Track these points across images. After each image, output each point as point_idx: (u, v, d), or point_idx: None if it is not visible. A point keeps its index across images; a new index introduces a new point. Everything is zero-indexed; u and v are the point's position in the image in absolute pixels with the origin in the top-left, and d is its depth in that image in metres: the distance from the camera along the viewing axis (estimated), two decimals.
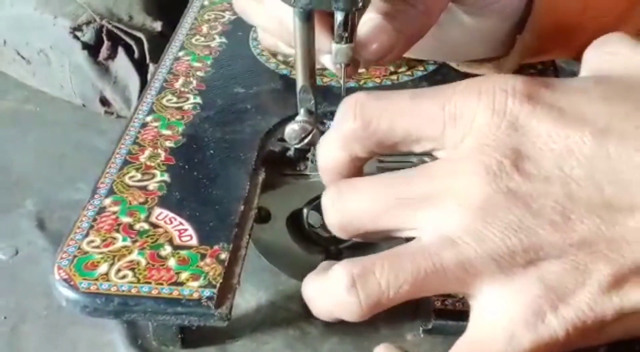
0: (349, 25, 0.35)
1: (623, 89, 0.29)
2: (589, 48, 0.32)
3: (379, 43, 0.37)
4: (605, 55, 0.31)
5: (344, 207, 0.31)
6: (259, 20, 0.42)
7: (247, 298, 0.43)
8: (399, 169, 0.31)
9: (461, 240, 0.28)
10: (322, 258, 0.42)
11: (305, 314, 0.41)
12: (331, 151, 0.32)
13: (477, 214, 0.27)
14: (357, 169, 0.32)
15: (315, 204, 0.41)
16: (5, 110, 0.59)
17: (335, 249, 0.42)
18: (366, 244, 0.42)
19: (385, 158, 0.37)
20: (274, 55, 0.48)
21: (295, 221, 0.41)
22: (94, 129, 0.57)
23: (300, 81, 0.37)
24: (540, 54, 0.44)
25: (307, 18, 0.35)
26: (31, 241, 0.48)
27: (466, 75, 0.46)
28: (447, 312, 0.32)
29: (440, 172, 0.29)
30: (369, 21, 0.36)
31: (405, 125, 0.30)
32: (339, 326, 0.42)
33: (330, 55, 0.37)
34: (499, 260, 0.27)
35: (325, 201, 0.32)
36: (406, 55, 0.41)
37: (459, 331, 0.31)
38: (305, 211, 0.41)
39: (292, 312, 0.43)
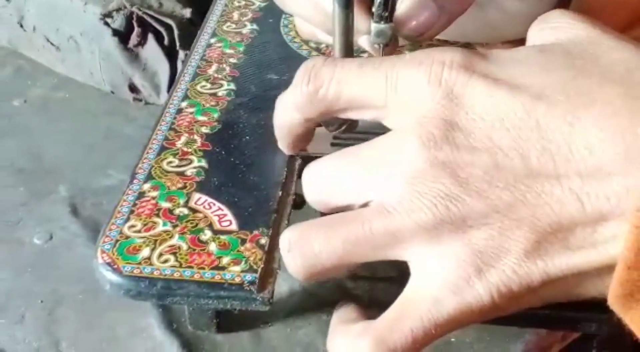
0: (389, 4, 0.35)
1: (563, 59, 0.30)
2: (532, 25, 0.33)
3: (419, 19, 0.36)
4: (548, 29, 0.32)
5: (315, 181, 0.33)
6: (295, 8, 0.42)
7: (280, 284, 0.44)
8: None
9: (393, 209, 0.29)
10: None
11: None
12: (286, 112, 0.35)
13: (408, 184, 0.29)
14: (309, 129, 0.36)
15: None
16: (36, 97, 0.60)
17: None
18: None
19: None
20: (306, 42, 0.48)
21: None
22: (123, 115, 0.57)
23: None
24: None
25: (347, 3, 0.35)
26: (65, 226, 0.48)
27: None
28: None
29: (383, 144, 0.31)
30: None
31: (350, 93, 0.31)
32: (371, 312, 0.42)
33: (368, 36, 0.37)
34: (428, 228, 0.28)
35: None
36: (445, 38, 0.41)
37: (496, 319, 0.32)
38: None
39: (325, 298, 0.43)
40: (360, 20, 0.37)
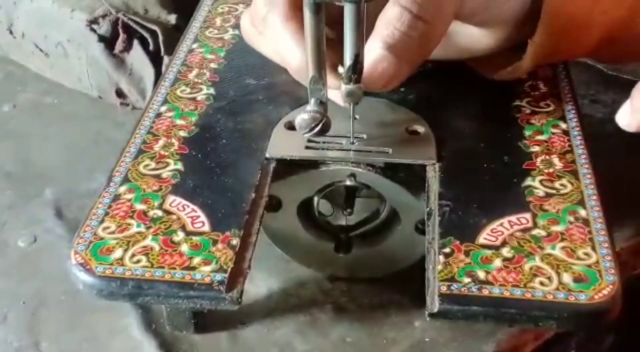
0: (357, 67, 0.36)
1: None
2: None
3: (380, 73, 0.37)
4: None
5: None
6: (263, 50, 0.44)
7: (258, 285, 0.44)
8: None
9: None
10: (332, 246, 0.43)
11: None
12: None
13: None
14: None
15: (326, 193, 0.42)
16: (25, 101, 0.61)
17: (344, 236, 0.43)
18: (375, 231, 0.43)
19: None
20: None
21: (305, 209, 0.42)
22: (111, 120, 0.58)
23: (311, 71, 0.37)
24: (554, 54, 0.44)
25: (317, 10, 0.35)
26: (49, 229, 0.49)
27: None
28: (453, 296, 0.32)
29: None
30: (371, 50, 0.37)
31: None
32: (349, 313, 0.43)
33: (337, 90, 0.38)
34: None
35: None
36: None
37: (464, 316, 0.32)
38: (315, 199, 0.42)
39: (303, 299, 0.44)
40: (331, 78, 0.38)
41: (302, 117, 0.38)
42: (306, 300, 0.44)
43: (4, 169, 0.54)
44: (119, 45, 0.55)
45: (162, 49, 0.54)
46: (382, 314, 0.43)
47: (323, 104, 0.38)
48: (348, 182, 0.40)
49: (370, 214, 0.43)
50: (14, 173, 0.54)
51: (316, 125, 0.38)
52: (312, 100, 0.38)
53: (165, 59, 0.55)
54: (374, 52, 0.37)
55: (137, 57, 0.55)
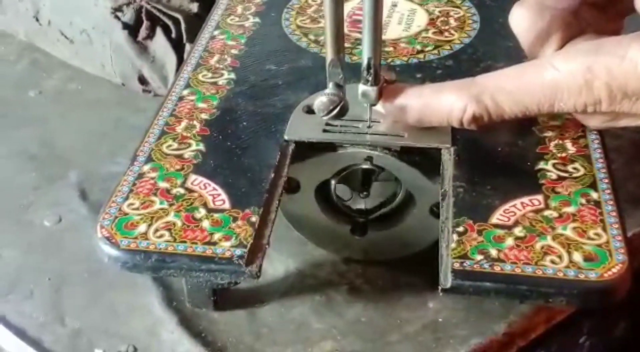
0: (372, 70, 0.38)
1: None
2: None
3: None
4: None
5: None
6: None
7: (276, 266, 0.46)
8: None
9: None
10: (348, 228, 0.44)
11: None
12: None
13: None
14: None
15: (343, 176, 0.43)
16: (51, 88, 0.62)
17: (361, 219, 0.44)
18: (390, 214, 0.44)
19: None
20: (306, 34, 0.50)
21: (323, 192, 0.43)
22: (133, 107, 0.59)
23: (329, 55, 0.38)
24: None
25: None
26: (73, 209, 0.50)
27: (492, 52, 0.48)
28: (465, 272, 0.33)
29: None
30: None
31: None
32: (363, 293, 0.44)
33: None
34: None
35: None
36: None
37: (476, 291, 0.33)
38: (333, 182, 0.43)
39: (319, 280, 0.45)
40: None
41: (320, 99, 0.39)
42: (322, 281, 0.45)
43: (29, 152, 0.55)
44: (142, 32, 0.57)
45: (184, 37, 0.56)
46: (396, 296, 0.44)
47: (341, 87, 0.39)
48: (365, 166, 0.41)
49: (386, 198, 0.44)
50: (38, 156, 0.55)
51: (334, 108, 0.39)
52: (331, 84, 0.39)
53: (187, 47, 0.56)
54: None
55: (160, 44, 0.57)
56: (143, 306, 0.43)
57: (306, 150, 0.41)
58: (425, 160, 0.41)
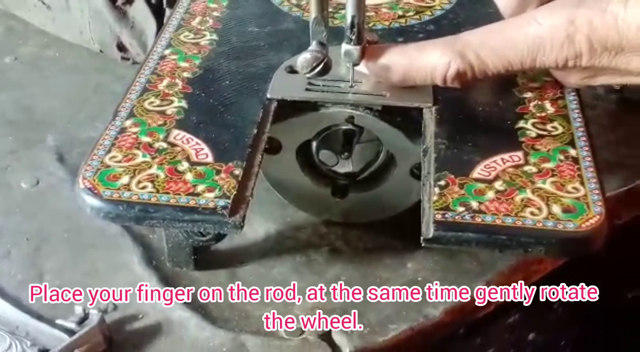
0: (356, 28, 0.38)
1: None
2: None
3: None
4: None
5: None
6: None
7: (256, 228, 0.46)
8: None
9: None
10: (329, 190, 0.44)
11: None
12: None
13: None
14: None
15: (324, 136, 0.43)
16: (27, 54, 0.61)
17: (342, 182, 0.44)
18: (371, 176, 0.44)
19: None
20: None
21: (304, 152, 0.43)
22: (112, 74, 0.59)
23: (313, 13, 0.39)
24: None
25: None
26: (52, 172, 0.50)
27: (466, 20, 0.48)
28: (447, 223, 0.34)
29: None
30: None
31: None
32: (343, 254, 0.44)
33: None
34: None
35: None
36: None
37: (458, 241, 0.34)
38: (314, 143, 0.43)
39: (299, 241, 0.45)
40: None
41: (303, 56, 0.39)
42: (302, 242, 0.45)
43: (5, 116, 0.55)
44: None
45: (165, 1, 0.55)
46: (376, 257, 0.44)
47: (324, 45, 0.40)
48: (346, 126, 0.42)
49: (368, 161, 0.44)
50: (15, 121, 0.55)
51: (317, 65, 0.39)
52: (314, 42, 0.39)
53: (167, 12, 0.55)
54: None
55: (140, 9, 0.56)
56: (123, 265, 0.43)
57: (288, 110, 0.41)
58: (406, 122, 0.41)
